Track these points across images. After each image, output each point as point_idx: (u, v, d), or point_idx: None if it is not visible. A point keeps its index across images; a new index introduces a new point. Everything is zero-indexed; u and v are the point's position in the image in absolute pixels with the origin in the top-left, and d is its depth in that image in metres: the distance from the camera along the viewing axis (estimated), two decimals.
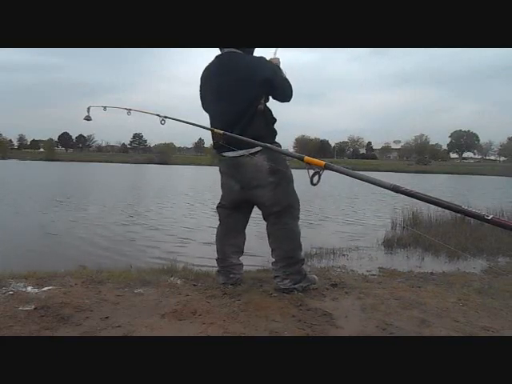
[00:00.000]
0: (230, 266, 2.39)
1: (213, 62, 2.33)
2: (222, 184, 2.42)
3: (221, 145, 2.22)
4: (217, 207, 2.48)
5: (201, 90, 2.41)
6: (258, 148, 2.13)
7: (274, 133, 2.33)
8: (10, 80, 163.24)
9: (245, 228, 2.47)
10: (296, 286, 2.24)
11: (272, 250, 2.32)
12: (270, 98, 2.31)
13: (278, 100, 2.32)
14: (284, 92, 2.30)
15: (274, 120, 2.33)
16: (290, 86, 2.30)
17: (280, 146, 2.31)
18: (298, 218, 2.35)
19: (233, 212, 2.40)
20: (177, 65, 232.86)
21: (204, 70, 2.38)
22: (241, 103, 2.19)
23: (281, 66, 2.33)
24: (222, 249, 2.42)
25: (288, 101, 2.33)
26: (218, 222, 2.48)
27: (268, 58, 2.27)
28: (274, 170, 2.18)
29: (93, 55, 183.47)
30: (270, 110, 2.32)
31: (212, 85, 2.32)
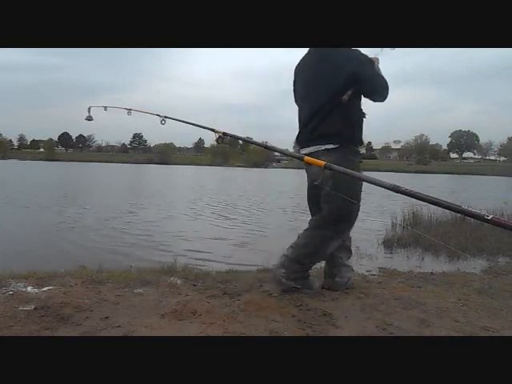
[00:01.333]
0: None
1: (307, 53, 2.28)
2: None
3: (300, 140, 2.23)
4: None
5: (294, 83, 2.37)
6: (329, 146, 2.07)
7: (353, 134, 2.17)
8: (10, 80, 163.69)
9: None
10: (288, 282, 2.19)
11: (292, 243, 2.25)
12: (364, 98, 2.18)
13: (370, 98, 2.15)
14: (374, 89, 2.11)
15: (360, 121, 2.20)
16: (383, 83, 2.10)
17: (358, 154, 2.18)
18: (340, 234, 2.23)
19: (312, 207, 2.36)
20: (177, 65, 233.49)
21: (298, 63, 2.34)
22: (323, 97, 2.12)
23: (379, 66, 2.17)
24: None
25: (382, 100, 2.15)
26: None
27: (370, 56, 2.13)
28: (337, 175, 1.99)
29: (93, 55, 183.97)
30: (358, 109, 2.19)
31: (302, 78, 2.30)
